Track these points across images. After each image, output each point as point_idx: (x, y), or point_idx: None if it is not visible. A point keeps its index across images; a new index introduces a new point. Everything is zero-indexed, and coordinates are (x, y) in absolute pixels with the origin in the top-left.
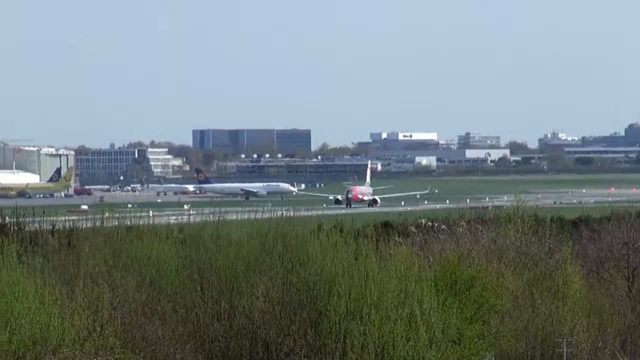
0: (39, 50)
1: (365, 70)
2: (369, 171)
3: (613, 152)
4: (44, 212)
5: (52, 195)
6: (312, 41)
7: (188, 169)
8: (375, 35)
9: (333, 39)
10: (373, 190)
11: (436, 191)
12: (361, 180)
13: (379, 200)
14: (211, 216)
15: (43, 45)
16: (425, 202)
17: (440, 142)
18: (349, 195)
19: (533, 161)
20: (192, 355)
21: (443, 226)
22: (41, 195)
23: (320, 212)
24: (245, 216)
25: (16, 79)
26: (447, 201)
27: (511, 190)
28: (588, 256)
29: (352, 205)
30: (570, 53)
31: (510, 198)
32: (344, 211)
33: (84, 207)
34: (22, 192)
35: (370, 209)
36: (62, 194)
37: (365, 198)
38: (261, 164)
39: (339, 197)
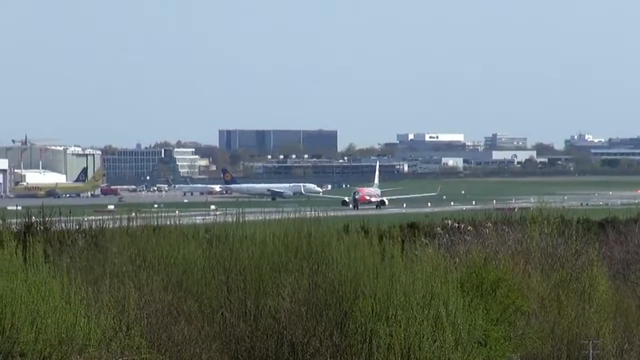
0: (66, 50)
1: (392, 71)
2: (377, 172)
3: None
4: (70, 212)
5: (78, 195)
6: (340, 42)
7: (214, 169)
8: (402, 35)
9: (361, 41)
10: (381, 191)
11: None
12: (369, 182)
13: (386, 202)
14: (237, 216)
15: (69, 45)
16: (452, 203)
17: (467, 143)
18: (356, 197)
19: (559, 162)
20: (218, 356)
21: (469, 227)
22: (68, 195)
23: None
24: (272, 217)
25: (43, 79)
26: (474, 202)
27: (537, 192)
28: (614, 258)
29: (360, 207)
30: (596, 54)
31: (536, 199)
32: (354, 212)
33: (111, 207)
34: (52, 192)
35: (392, 210)
36: (89, 193)
37: (373, 199)
38: (287, 164)
39: (346, 198)
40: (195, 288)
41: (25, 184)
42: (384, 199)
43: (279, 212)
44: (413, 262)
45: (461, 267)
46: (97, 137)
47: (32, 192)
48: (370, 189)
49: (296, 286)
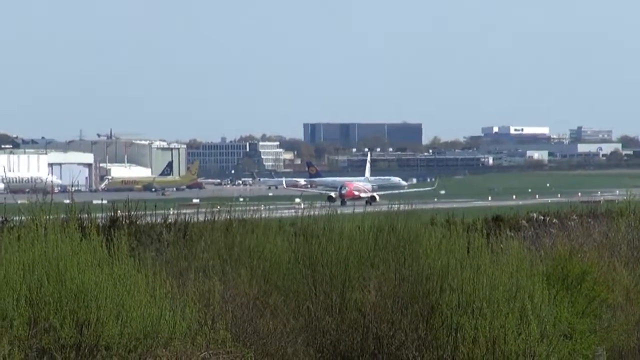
0: (152, 46)
1: (476, 65)
2: (368, 164)
3: None
4: (155, 206)
5: (176, 189)
6: (425, 36)
7: (299, 162)
8: (488, 28)
9: (447, 35)
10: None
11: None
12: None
13: (377, 198)
14: (323, 209)
15: (155, 41)
16: (537, 196)
17: (552, 136)
18: (342, 192)
19: None
20: (303, 349)
21: (554, 220)
22: (168, 189)
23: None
24: (357, 210)
25: (127, 74)
26: (559, 195)
27: (623, 185)
28: None
29: (347, 203)
30: None
31: (622, 192)
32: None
33: (196, 200)
34: (149, 186)
35: (478, 203)
36: (174, 187)
37: (363, 195)
38: (372, 157)
39: (332, 193)
40: (280, 281)
41: (119, 178)
42: (375, 194)
43: (365, 205)
44: (498, 255)
45: (546, 260)
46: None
47: (129, 185)
48: (359, 183)
49: (382, 279)
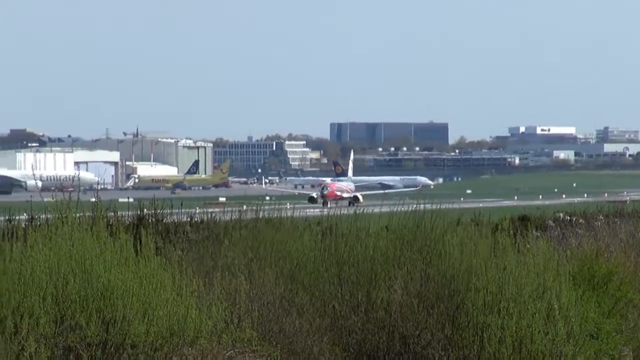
0: (176, 45)
1: (502, 65)
2: (351, 163)
3: None
4: (181, 204)
5: (207, 188)
6: (453, 35)
7: (325, 161)
8: (515, 28)
9: (475, 34)
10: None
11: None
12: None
13: (361, 198)
14: (349, 209)
15: (181, 39)
16: (564, 196)
17: (578, 136)
18: (324, 192)
19: None
20: (329, 348)
21: (581, 220)
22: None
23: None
24: (383, 209)
25: (155, 72)
26: (585, 195)
27: None
28: None
29: (329, 204)
30: None
31: None
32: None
33: (222, 199)
34: (179, 185)
35: (504, 203)
36: (200, 186)
37: (345, 195)
38: (398, 157)
39: (314, 194)
40: (307, 280)
41: (148, 176)
42: (358, 194)
43: (391, 205)
44: (524, 255)
45: (573, 260)
46: (209, 130)
47: (159, 184)
48: (342, 183)
49: (408, 279)
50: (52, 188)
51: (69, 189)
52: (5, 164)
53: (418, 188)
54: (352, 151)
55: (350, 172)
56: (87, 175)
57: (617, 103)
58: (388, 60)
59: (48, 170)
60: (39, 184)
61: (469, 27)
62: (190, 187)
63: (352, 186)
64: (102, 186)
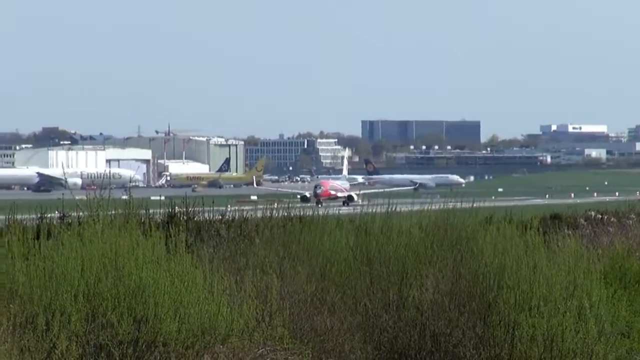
0: (208, 43)
1: (534, 63)
2: (345, 162)
3: None
4: (213, 202)
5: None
6: (484, 34)
7: (357, 159)
8: (547, 28)
9: (504, 32)
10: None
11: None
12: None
13: (355, 197)
14: (381, 207)
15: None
16: (595, 194)
17: (610, 134)
18: (318, 191)
19: None
20: (360, 346)
21: (612, 219)
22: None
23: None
24: (414, 207)
25: (186, 70)
26: (617, 193)
27: None
28: None
29: (323, 204)
30: None
31: None
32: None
33: (254, 197)
34: (214, 183)
35: (536, 201)
36: (232, 184)
37: (340, 194)
38: (430, 155)
39: (307, 193)
40: (338, 278)
41: (182, 174)
42: (353, 194)
43: (423, 203)
44: (555, 254)
45: (604, 259)
46: (240, 128)
47: (194, 182)
48: (336, 182)
49: (440, 277)
50: (92, 186)
51: (111, 187)
52: (37, 162)
53: (413, 188)
54: (347, 150)
55: (345, 171)
56: (127, 173)
57: None
58: (420, 58)
59: (80, 167)
60: (79, 181)
61: (500, 25)
62: (222, 185)
63: (346, 185)
64: (134, 184)
